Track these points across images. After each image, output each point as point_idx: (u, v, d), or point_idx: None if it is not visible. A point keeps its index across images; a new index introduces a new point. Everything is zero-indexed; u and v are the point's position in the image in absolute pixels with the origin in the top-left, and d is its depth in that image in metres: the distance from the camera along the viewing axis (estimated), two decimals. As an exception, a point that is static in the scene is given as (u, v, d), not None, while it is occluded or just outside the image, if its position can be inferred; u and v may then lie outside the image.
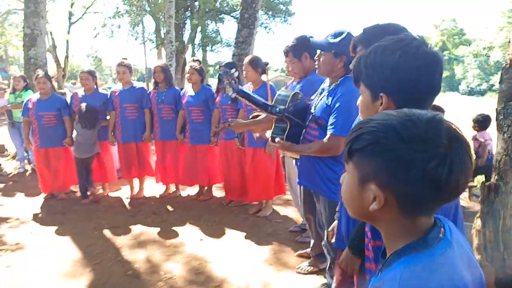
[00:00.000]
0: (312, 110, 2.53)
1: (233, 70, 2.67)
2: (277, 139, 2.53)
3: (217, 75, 2.76)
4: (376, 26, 1.73)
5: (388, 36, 1.25)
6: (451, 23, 64.52)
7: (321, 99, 2.49)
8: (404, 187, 0.76)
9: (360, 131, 0.81)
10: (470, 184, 5.24)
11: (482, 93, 50.19)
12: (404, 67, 1.14)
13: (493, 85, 47.94)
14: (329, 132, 2.34)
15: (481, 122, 5.43)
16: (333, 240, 2.09)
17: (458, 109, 21.89)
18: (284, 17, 22.88)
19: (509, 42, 2.76)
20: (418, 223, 0.82)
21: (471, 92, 52.12)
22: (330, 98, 2.38)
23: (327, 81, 2.55)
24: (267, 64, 4.26)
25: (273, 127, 2.64)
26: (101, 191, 5.36)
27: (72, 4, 23.12)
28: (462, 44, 60.89)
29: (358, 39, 1.77)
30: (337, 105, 2.33)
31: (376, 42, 1.53)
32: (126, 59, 5.09)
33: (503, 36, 47.69)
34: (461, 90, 53.66)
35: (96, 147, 4.99)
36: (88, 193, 5.05)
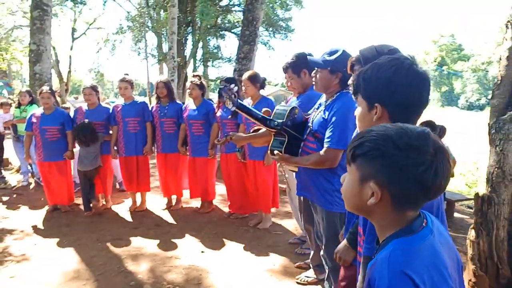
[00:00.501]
0: (310, 124, 2.63)
1: (232, 85, 2.76)
2: (275, 152, 2.63)
3: (218, 89, 2.88)
4: (371, 47, 1.92)
5: (383, 56, 1.44)
6: (449, 38, 65.09)
7: (318, 114, 2.59)
8: (398, 186, 0.95)
9: (363, 139, 0.99)
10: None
11: (481, 107, 50.41)
12: (397, 82, 1.31)
13: (492, 100, 48.01)
14: (325, 145, 2.43)
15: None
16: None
17: (457, 124, 22.01)
18: (285, 34, 23.15)
19: (500, 59, 2.87)
20: (405, 216, 1.00)
21: (470, 107, 52.35)
22: (327, 113, 2.48)
23: (324, 97, 2.66)
24: (265, 79, 4.38)
25: (272, 140, 2.73)
26: (103, 202, 5.43)
27: (75, 21, 23.45)
28: (461, 59, 61.33)
29: (356, 59, 1.97)
30: (333, 119, 2.42)
31: (371, 61, 1.73)
32: (127, 74, 5.21)
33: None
34: (460, 105, 53.91)
35: (99, 160, 5.07)
36: (91, 205, 5.11)
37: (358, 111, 1.46)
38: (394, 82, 1.32)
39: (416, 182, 0.93)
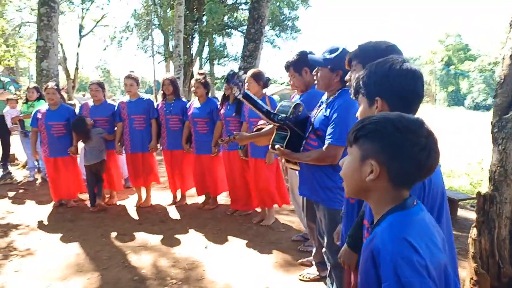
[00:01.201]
0: (312, 122, 2.64)
1: (241, 72, 2.79)
2: (277, 146, 2.64)
3: (226, 75, 2.88)
4: (369, 43, 1.95)
5: (381, 59, 1.55)
6: (456, 38, 64.64)
7: (319, 112, 2.60)
8: (396, 164, 1.06)
9: (365, 122, 1.12)
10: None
11: (487, 108, 49.97)
12: (393, 75, 1.45)
13: (499, 100, 47.65)
14: (327, 142, 2.44)
15: None
16: (338, 243, 2.20)
17: (463, 124, 21.91)
18: (291, 33, 23.13)
19: (504, 58, 2.87)
20: (400, 193, 1.11)
21: (476, 107, 51.97)
22: (328, 110, 2.50)
23: (326, 95, 2.67)
24: (268, 79, 4.40)
25: (274, 135, 2.75)
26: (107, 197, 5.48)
27: (82, 18, 23.57)
28: (468, 59, 60.90)
29: (354, 54, 1.98)
30: (334, 116, 2.44)
31: (369, 56, 1.83)
32: (133, 71, 5.25)
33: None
34: (466, 105, 53.55)
35: (103, 154, 5.11)
36: (97, 201, 5.15)
37: (360, 110, 1.56)
38: (390, 75, 1.45)
39: (412, 160, 1.05)
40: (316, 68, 2.63)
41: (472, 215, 5.04)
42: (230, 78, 2.74)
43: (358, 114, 1.58)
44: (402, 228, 1.04)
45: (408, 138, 1.05)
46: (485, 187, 6.77)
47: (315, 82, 2.68)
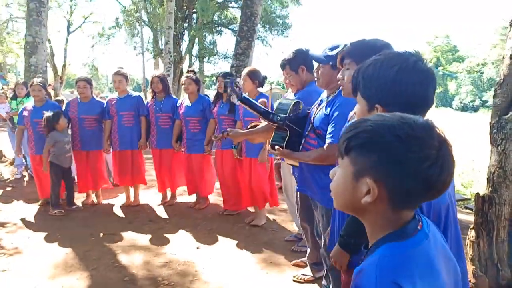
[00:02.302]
0: (311, 120, 2.59)
1: (238, 79, 2.74)
2: (276, 147, 2.59)
3: (224, 82, 2.83)
4: (363, 41, 1.86)
5: (386, 51, 1.34)
6: (444, 39, 65.31)
7: (319, 110, 2.55)
8: (397, 183, 0.83)
9: (359, 129, 0.88)
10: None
11: (475, 109, 50.71)
12: (401, 82, 1.21)
13: (486, 101, 48.50)
14: (327, 141, 2.39)
15: None
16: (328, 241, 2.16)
17: (451, 125, 22.13)
18: (281, 30, 23.07)
19: (503, 58, 2.84)
20: (401, 216, 0.90)
21: (464, 108, 52.64)
22: (329, 109, 2.44)
23: (325, 93, 2.62)
24: (265, 77, 4.34)
25: (273, 135, 2.69)
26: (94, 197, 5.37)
27: (71, 13, 23.25)
28: (456, 60, 61.61)
29: (346, 52, 1.89)
30: (335, 114, 2.38)
31: (361, 55, 1.69)
32: (122, 68, 5.15)
33: (496, 53, 48.40)
34: (454, 106, 54.17)
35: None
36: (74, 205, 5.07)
37: (357, 109, 1.37)
38: (397, 82, 1.21)
39: (419, 178, 0.82)
40: (316, 66, 2.57)
41: (464, 216, 5.05)
42: (228, 84, 2.69)
43: (355, 113, 1.39)
44: (395, 267, 0.83)
45: (414, 151, 0.81)
46: (476, 188, 6.82)
47: (315, 79, 2.63)
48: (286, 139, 2.57)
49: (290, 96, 3.45)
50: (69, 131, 5.13)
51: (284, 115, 2.57)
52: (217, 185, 5.35)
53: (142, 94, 15.09)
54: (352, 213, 0.99)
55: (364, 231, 1.59)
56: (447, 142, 0.86)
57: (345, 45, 2.45)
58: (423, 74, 1.22)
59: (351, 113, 2.04)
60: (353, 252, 1.85)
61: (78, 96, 5.16)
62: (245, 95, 4.23)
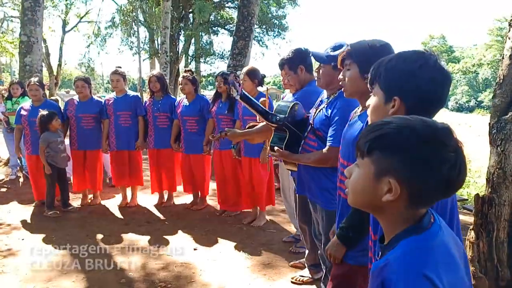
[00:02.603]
0: (311, 122, 2.56)
1: (239, 72, 2.71)
2: (276, 148, 2.56)
3: (224, 75, 2.80)
4: (363, 41, 1.87)
5: (407, 50, 1.37)
6: (440, 40, 65.56)
7: (319, 111, 2.52)
8: (420, 184, 0.87)
9: (382, 131, 0.91)
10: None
11: (470, 109, 50.96)
12: (422, 77, 1.25)
13: (481, 102, 48.77)
14: (328, 144, 2.36)
15: None
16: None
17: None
18: (278, 31, 23.04)
19: (503, 58, 2.83)
20: (418, 212, 0.94)
21: (459, 109, 52.88)
22: (329, 110, 2.42)
23: (325, 93, 2.59)
24: (264, 76, 4.31)
25: (272, 136, 2.67)
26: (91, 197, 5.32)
27: (66, 13, 23.13)
28: (451, 61, 61.85)
29: (348, 52, 1.91)
30: (336, 117, 2.36)
31: (362, 56, 1.78)
32: (120, 67, 5.12)
33: (491, 54, 48.63)
34: (450, 106, 54.40)
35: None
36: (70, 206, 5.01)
37: (372, 101, 1.38)
38: (419, 76, 1.25)
39: (440, 179, 0.86)
40: (318, 66, 2.55)
41: (462, 217, 5.04)
42: (228, 79, 2.66)
43: (369, 105, 1.40)
44: (420, 260, 0.86)
45: (436, 153, 0.86)
46: (473, 188, 6.82)
47: (314, 79, 2.60)
48: (285, 140, 2.54)
49: (288, 96, 3.43)
50: (66, 131, 5.10)
51: (283, 116, 2.55)
52: (213, 185, 5.33)
53: (138, 95, 15.03)
54: (369, 211, 1.03)
55: (362, 226, 1.60)
56: (462, 146, 0.90)
57: (348, 46, 2.44)
58: (442, 73, 1.27)
59: (353, 112, 2.02)
60: (350, 246, 1.85)
61: (77, 96, 5.12)
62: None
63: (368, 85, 1.41)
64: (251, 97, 2.75)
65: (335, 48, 2.45)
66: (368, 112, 1.41)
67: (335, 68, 2.43)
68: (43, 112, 4.68)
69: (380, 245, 1.02)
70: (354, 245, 1.84)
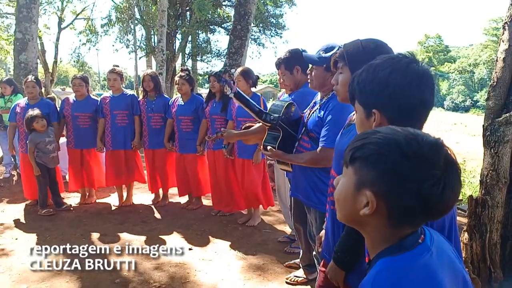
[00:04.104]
0: (305, 123, 2.57)
1: (233, 70, 2.69)
2: (269, 147, 2.56)
3: (217, 73, 2.78)
4: (356, 42, 1.78)
5: (380, 56, 1.30)
6: (436, 40, 65.73)
7: (313, 113, 2.52)
8: (397, 199, 0.82)
9: (366, 141, 0.87)
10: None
11: (466, 109, 51.13)
12: (394, 83, 1.18)
13: (477, 101, 48.97)
14: (320, 144, 2.37)
15: None
16: (319, 249, 2.12)
17: (443, 125, 22.29)
18: (275, 30, 23.03)
19: (496, 60, 2.85)
20: (402, 231, 0.88)
21: (455, 108, 53.05)
22: (322, 112, 2.42)
23: (319, 95, 2.60)
24: (258, 77, 4.31)
25: (265, 135, 2.67)
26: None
27: (62, 10, 23.00)
28: (447, 61, 62.07)
29: (340, 55, 1.82)
30: (328, 118, 2.36)
31: (356, 57, 1.66)
32: (118, 66, 5.10)
33: (487, 54, 48.84)
34: (445, 106, 54.57)
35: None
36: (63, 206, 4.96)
37: (356, 120, 1.34)
38: (391, 83, 1.19)
39: (419, 197, 0.81)
40: (310, 67, 2.55)
41: (458, 217, 5.06)
42: (221, 76, 2.64)
43: (355, 122, 1.36)
44: (390, 282, 0.81)
45: (418, 169, 0.80)
46: (467, 189, 6.84)
47: (308, 80, 2.60)
48: (279, 139, 2.54)
49: (285, 95, 3.44)
50: (62, 130, 5.07)
51: (277, 115, 2.55)
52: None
53: (134, 92, 14.99)
54: (353, 225, 0.97)
55: (358, 247, 1.53)
56: (454, 162, 0.84)
57: (339, 47, 2.43)
58: (417, 75, 1.19)
59: (349, 117, 2.00)
60: (348, 269, 1.79)
61: (73, 94, 5.10)
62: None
63: (350, 102, 1.37)
64: (245, 95, 2.74)
65: (327, 50, 2.45)
66: (356, 129, 1.38)
67: (327, 70, 2.42)
68: (28, 113, 4.64)
69: (367, 266, 0.98)
70: (352, 268, 1.78)
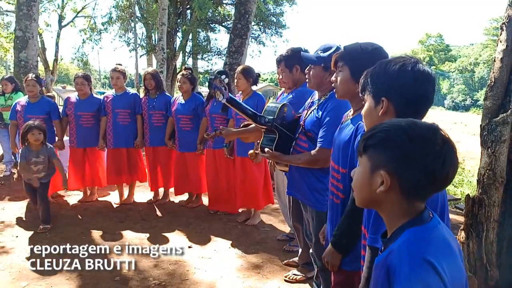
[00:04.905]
0: (302, 123, 2.58)
1: (223, 76, 2.70)
2: (266, 149, 2.58)
3: (208, 80, 2.80)
4: (355, 44, 1.93)
5: (391, 57, 1.51)
6: (437, 39, 65.63)
7: (310, 112, 2.54)
8: (407, 175, 0.99)
9: (375, 131, 1.04)
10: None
11: (466, 108, 51.08)
12: (404, 76, 1.37)
13: (477, 101, 48.91)
14: (318, 145, 2.39)
15: None
16: (323, 243, 2.17)
17: (443, 124, 22.25)
18: (275, 29, 23.01)
19: (494, 60, 2.86)
20: (415, 206, 1.04)
21: (455, 107, 53.02)
22: (320, 112, 2.44)
23: (317, 94, 2.61)
24: (259, 75, 4.32)
25: (262, 137, 2.69)
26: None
27: (63, 7, 22.98)
28: (448, 60, 61.98)
29: (340, 55, 1.97)
30: (327, 119, 2.38)
31: (355, 58, 1.87)
32: (120, 64, 5.11)
33: (487, 53, 48.78)
34: (446, 105, 54.53)
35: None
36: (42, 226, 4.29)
37: (365, 107, 1.49)
38: (400, 76, 1.37)
39: (425, 171, 0.97)
40: (308, 66, 2.56)
41: (454, 216, 5.08)
42: (212, 83, 2.65)
43: (363, 112, 1.51)
44: (422, 246, 0.97)
45: (420, 147, 0.97)
46: (466, 188, 6.87)
47: (306, 80, 2.62)
48: (275, 141, 2.56)
49: (284, 95, 3.46)
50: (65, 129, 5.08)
51: (272, 117, 2.57)
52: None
53: (135, 90, 14.98)
54: (371, 206, 1.15)
55: (355, 231, 1.67)
56: (449, 141, 1.01)
57: (337, 47, 2.46)
58: (423, 73, 1.37)
59: (345, 115, 2.04)
60: (344, 253, 1.88)
61: (75, 93, 5.11)
62: (237, 96, 4.23)
63: (360, 95, 1.52)
64: (237, 100, 2.76)
65: (325, 50, 2.47)
66: (363, 118, 1.52)
67: (325, 70, 2.45)
68: (29, 121, 4.29)
69: (383, 240, 1.11)
70: (348, 251, 1.86)
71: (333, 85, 2.06)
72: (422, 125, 1.01)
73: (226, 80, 2.67)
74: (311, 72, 2.54)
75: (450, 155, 0.99)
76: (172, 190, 5.36)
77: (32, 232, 4.17)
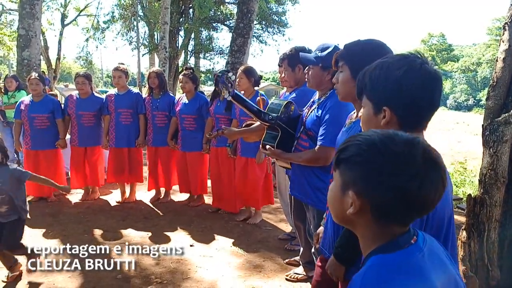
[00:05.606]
0: (303, 122, 2.59)
1: (230, 73, 2.71)
2: (267, 146, 2.59)
3: (214, 77, 2.81)
4: (356, 42, 1.84)
5: (390, 55, 1.34)
6: (439, 38, 65.53)
7: (311, 112, 2.55)
8: (376, 196, 0.85)
9: (348, 144, 0.91)
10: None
11: (469, 108, 50.99)
12: (409, 83, 1.20)
13: (480, 100, 48.78)
14: (318, 143, 2.40)
15: None
16: (317, 245, 2.15)
17: (446, 124, 22.23)
18: (277, 28, 23.01)
19: (497, 60, 2.86)
20: (390, 230, 0.90)
21: (458, 107, 52.92)
22: (320, 111, 2.45)
23: (317, 94, 2.62)
24: (261, 77, 4.34)
25: (264, 134, 2.69)
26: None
27: (65, 6, 23.02)
28: (451, 59, 61.87)
29: (340, 54, 1.88)
30: (326, 117, 2.39)
31: (356, 57, 1.73)
32: (123, 63, 5.13)
33: (490, 53, 48.68)
34: (448, 105, 54.43)
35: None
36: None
37: (363, 115, 1.34)
38: (404, 83, 1.20)
39: (396, 192, 0.83)
40: (307, 67, 2.57)
41: (456, 216, 5.08)
42: (219, 79, 2.66)
43: (361, 118, 1.37)
44: (383, 277, 0.82)
45: (392, 166, 0.83)
46: (468, 188, 6.86)
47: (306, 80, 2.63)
48: (277, 138, 2.57)
49: (286, 94, 3.46)
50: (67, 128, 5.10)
51: (276, 115, 2.58)
52: (209, 182, 5.34)
53: (137, 89, 15.02)
54: (346, 226, 1.01)
55: (358, 244, 1.57)
56: (434, 159, 0.86)
57: (335, 46, 2.46)
58: (430, 76, 1.21)
59: (349, 116, 2.02)
60: (348, 264, 1.82)
61: (77, 92, 5.12)
62: (241, 93, 4.23)
63: (356, 97, 1.38)
64: (243, 96, 2.77)
65: (323, 49, 2.48)
66: (361, 123, 1.39)
67: (323, 69, 2.46)
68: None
69: (361, 265, 0.99)
70: (352, 262, 1.80)
71: (334, 86, 2.02)
72: (400, 139, 0.86)
73: (233, 78, 2.68)
74: (310, 72, 2.55)
75: (432, 175, 0.84)
76: (173, 189, 5.37)
77: (34, 230, 4.18)
